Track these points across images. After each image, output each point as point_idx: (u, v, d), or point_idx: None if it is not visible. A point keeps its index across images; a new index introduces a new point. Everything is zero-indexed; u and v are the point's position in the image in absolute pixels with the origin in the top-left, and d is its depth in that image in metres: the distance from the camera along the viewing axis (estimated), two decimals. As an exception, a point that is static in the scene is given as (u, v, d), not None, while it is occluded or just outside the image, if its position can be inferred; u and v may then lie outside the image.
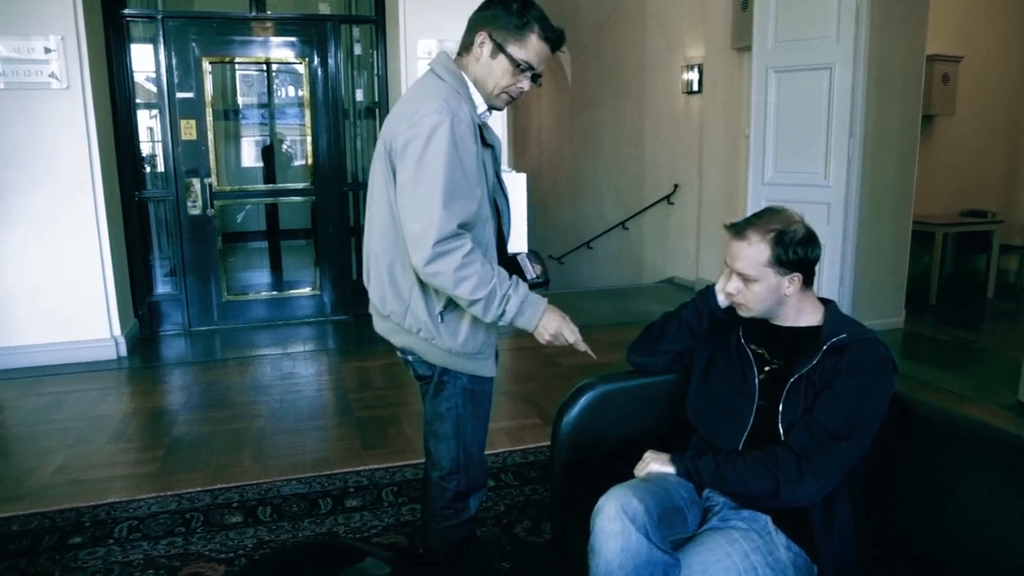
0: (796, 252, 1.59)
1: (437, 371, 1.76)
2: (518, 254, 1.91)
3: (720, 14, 5.85)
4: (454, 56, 1.75)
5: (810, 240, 1.62)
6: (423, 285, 1.66)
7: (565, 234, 9.23)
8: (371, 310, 1.85)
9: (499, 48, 1.66)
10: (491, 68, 1.68)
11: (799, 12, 4.50)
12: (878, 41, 4.37)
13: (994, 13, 6.37)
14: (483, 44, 1.67)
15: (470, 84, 1.70)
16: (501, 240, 1.80)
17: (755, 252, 1.61)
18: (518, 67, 1.67)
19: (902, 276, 4.87)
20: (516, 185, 1.91)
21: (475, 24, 1.69)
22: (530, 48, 1.66)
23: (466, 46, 1.71)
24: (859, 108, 4.39)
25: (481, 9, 1.70)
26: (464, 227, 1.58)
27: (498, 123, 4.78)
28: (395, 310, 1.72)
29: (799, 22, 4.51)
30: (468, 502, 1.88)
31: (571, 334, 1.73)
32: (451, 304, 1.68)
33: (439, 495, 1.86)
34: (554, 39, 1.69)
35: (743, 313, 1.70)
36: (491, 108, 1.75)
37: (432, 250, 1.53)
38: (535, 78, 1.73)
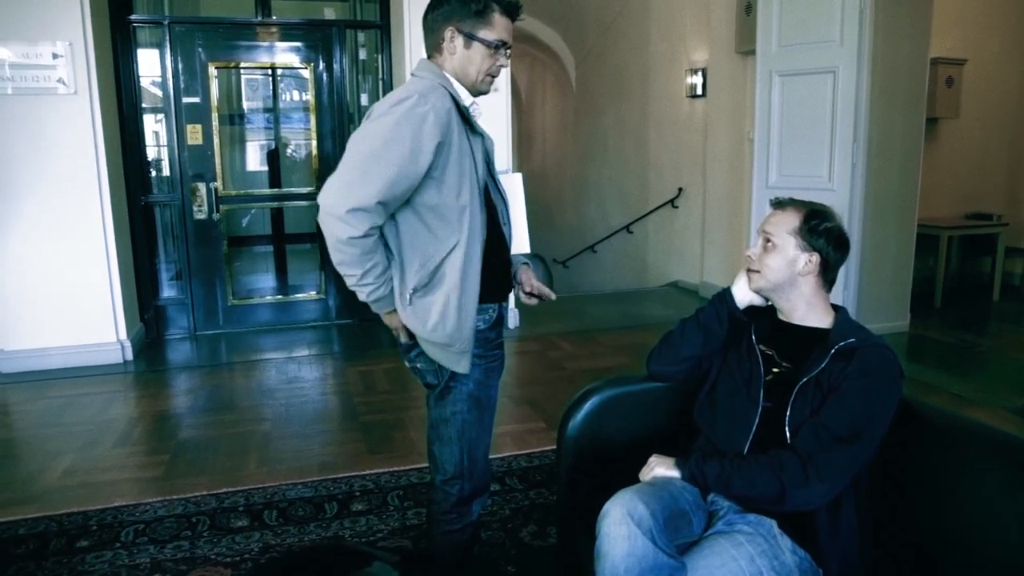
0: (820, 236, 1.64)
1: (444, 378, 1.78)
2: (524, 262, 1.93)
3: (724, 18, 5.86)
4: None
5: (839, 238, 1.67)
6: (401, 265, 1.70)
7: (569, 238, 9.25)
8: None
9: (470, 37, 1.71)
10: (470, 58, 1.73)
11: (803, 16, 4.50)
12: (882, 44, 4.37)
13: (998, 16, 6.37)
14: (453, 39, 1.72)
15: (452, 80, 1.73)
16: (503, 241, 1.82)
17: (786, 218, 1.68)
18: (494, 48, 1.73)
19: (907, 279, 4.87)
20: (514, 185, 1.92)
21: (437, 23, 1.73)
22: (498, 27, 1.73)
23: (435, 47, 1.75)
24: (863, 111, 4.39)
25: (435, 8, 1.73)
26: (383, 204, 1.60)
27: (502, 128, 4.79)
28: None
29: (803, 26, 4.51)
30: (471, 507, 1.89)
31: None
32: (420, 289, 1.69)
33: (443, 499, 1.88)
34: (514, 10, 1.75)
35: (754, 283, 1.72)
36: (478, 94, 1.79)
37: (345, 213, 1.57)
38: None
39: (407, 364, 1.85)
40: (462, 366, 1.74)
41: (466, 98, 1.75)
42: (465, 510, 1.88)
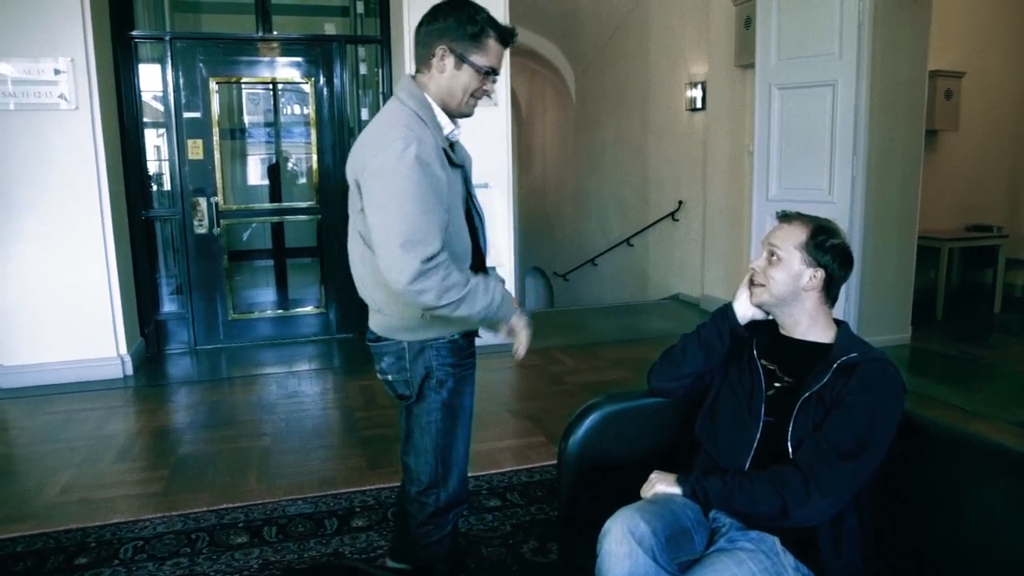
0: (827, 252, 1.64)
1: (416, 387, 1.80)
2: (500, 279, 1.99)
3: (723, 32, 5.89)
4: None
5: (844, 255, 1.67)
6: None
7: (570, 251, 9.25)
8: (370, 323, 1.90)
9: (461, 59, 1.70)
10: (458, 79, 1.72)
11: (802, 29, 4.52)
12: (881, 57, 4.39)
13: (996, 29, 6.40)
14: (444, 57, 1.71)
15: (434, 105, 1.73)
16: (480, 256, 1.85)
17: (792, 232, 1.68)
18: (484, 74, 1.73)
19: (908, 291, 4.86)
20: (489, 200, 1.96)
21: (430, 38, 1.72)
22: (490, 52, 1.72)
23: (424, 61, 1.74)
24: (862, 124, 4.40)
25: (430, 22, 1.73)
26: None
27: (501, 141, 4.80)
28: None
29: (802, 39, 4.53)
30: (447, 517, 1.90)
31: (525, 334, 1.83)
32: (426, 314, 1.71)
33: (418, 511, 1.89)
34: (508, 38, 1.75)
35: (756, 297, 1.72)
36: (461, 117, 1.79)
37: (420, 267, 1.56)
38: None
39: (379, 377, 1.88)
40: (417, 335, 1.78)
41: (446, 126, 1.75)
42: (441, 521, 1.89)
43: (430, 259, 1.57)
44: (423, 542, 1.90)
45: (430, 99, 1.73)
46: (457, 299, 1.61)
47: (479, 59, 1.71)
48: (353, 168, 1.72)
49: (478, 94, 1.76)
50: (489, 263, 1.91)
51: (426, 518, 1.88)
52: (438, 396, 1.81)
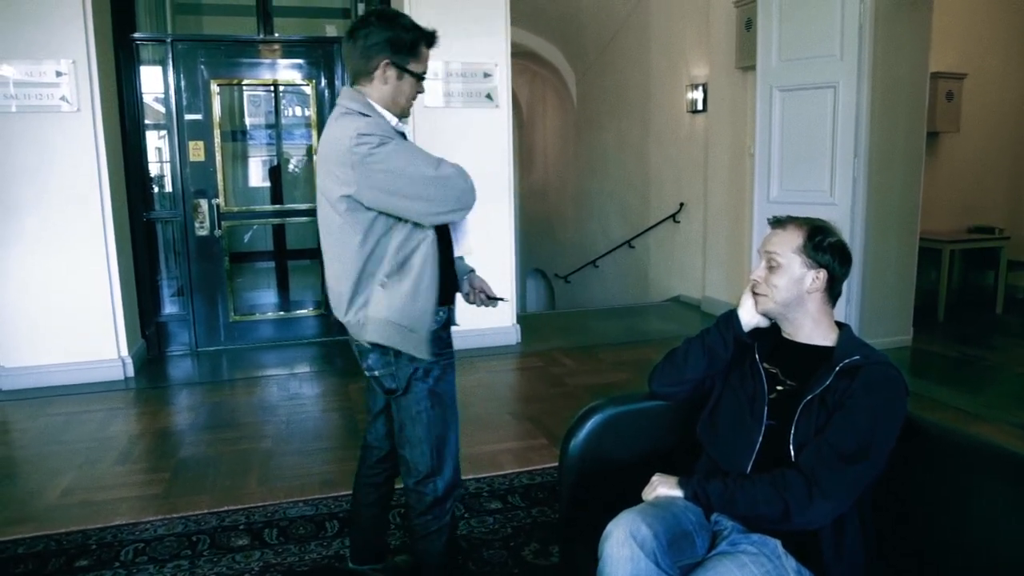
0: (826, 252, 1.64)
1: (403, 379, 1.85)
2: (471, 270, 2.09)
3: (724, 34, 5.88)
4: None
5: (842, 252, 1.66)
6: (380, 256, 1.79)
7: (571, 252, 9.25)
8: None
9: (403, 70, 1.82)
10: (401, 88, 1.84)
11: (803, 31, 4.52)
12: (882, 59, 4.39)
13: (997, 30, 6.40)
14: (386, 70, 1.81)
15: (376, 106, 1.81)
16: (449, 246, 1.91)
17: (789, 237, 1.66)
18: (420, 79, 1.88)
19: (909, 293, 4.86)
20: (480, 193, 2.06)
21: (371, 53, 1.80)
22: (423, 59, 1.86)
23: (365, 73, 1.82)
24: (864, 126, 4.40)
25: (366, 36, 1.80)
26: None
27: (503, 143, 4.80)
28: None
29: (803, 41, 4.53)
30: (446, 506, 1.94)
31: None
32: (393, 275, 1.79)
33: (417, 502, 1.93)
34: (434, 40, 1.87)
35: (761, 306, 1.71)
36: (403, 116, 1.90)
37: (457, 168, 1.76)
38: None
39: (366, 373, 1.93)
40: (423, 351, 1.83)
41: (391, 119, 1.84)
42: (440, 511, 1.93)
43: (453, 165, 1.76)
44: (421, 532, 1.94)
45: (371, 102, 1.82)
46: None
47: (416, 67, 1.84)
48: (328, 190, 1.78)
49: (414, 96, 1.89)
50: (457, 253, 1.95)
51: (425, 508, 1.92)
52: (424, 385, 1.87)
